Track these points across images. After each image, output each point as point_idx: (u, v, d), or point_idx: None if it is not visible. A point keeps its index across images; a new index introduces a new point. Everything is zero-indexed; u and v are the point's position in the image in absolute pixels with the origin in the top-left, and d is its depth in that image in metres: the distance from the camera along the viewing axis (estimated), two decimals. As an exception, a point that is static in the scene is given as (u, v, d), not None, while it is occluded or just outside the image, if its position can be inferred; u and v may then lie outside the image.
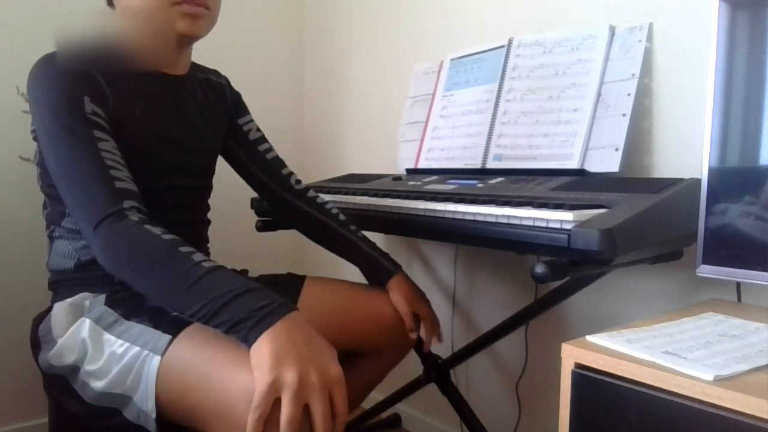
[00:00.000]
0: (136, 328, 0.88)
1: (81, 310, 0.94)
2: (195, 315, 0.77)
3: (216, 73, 1.19)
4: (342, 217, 1.21)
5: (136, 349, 0.85)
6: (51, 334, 0.94)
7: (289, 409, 0.68)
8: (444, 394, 1.43)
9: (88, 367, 0.88)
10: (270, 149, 1.23)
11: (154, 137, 0.99)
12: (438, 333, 1.20)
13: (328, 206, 1.22)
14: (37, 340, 0.97)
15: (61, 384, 0.92)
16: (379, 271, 1.18)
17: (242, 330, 0.74)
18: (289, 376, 0.69)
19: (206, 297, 0.76)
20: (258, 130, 1.24)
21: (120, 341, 0.87)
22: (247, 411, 0.70)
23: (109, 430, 0.90)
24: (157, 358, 0.82)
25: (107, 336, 0.89)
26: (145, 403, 0.83)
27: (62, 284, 1.00)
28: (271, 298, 0.77)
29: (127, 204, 0.83)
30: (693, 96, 1.10)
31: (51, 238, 1.03)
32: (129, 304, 0.93)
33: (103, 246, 0.81)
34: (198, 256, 0.80)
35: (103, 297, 0.95)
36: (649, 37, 1.14)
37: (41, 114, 0.88)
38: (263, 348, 0.71)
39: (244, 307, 0.75)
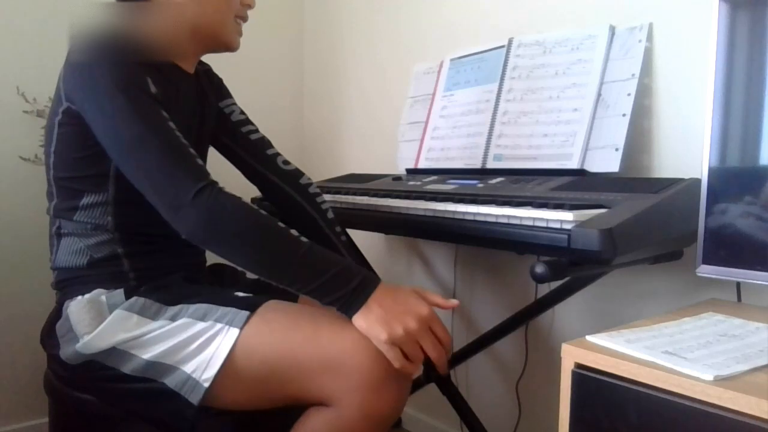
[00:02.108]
0: (196, 307, 0.90)
1: (100, 305, 0.93)
2: (295, 285, 0.85)
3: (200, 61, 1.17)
4: (330, 215, 1.21)
5: (205, 324, 0.88)
6: (72, 332, 0.93)
7: (410, 351, 0.84)
8: (444, 394, 1.43)
9: (134, 343, 0.89)
10: (254, 131, 1.22)
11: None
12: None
13: (319, 200, 1.21)
14: (55, 341, 0.95)
15: (86, 367, 0.91)
16: None
17: (344, 304, 0.85)
18: (398, 330, 0.83)
19: (309, 272, 0.84)
20: (242, 113, 1.22)
21: (179, 320, 0.89)
22: (364, 358, 0.83)
23: (138, 395, 0.90)
24: (235, 330, 0.86)
25: (160, 322, 0.90)
26: (200, 371, 0.85)
27: (73, 281, 0.98)
28: (362, 273, 0.86)
29: (213, 179, 0.86)
30: (693, 96, 1.10)
31: (58, 235, 1.00)
32: (159, 294, 0.94)
33: (205, 215, 0.83)
34: (294, 232, 0.87)
35: (120, 292, 0.94)
36: (649, 37, 1.14)
37: (109, 92, 0.86)
38: (367, 317, 0.84)
39: (342, 284, 0.84)
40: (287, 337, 0.87)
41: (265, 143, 1.22)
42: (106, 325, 0.90)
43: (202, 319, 0.88)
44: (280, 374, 0.86)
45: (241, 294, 0.95)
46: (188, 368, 0.86)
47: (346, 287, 0.84)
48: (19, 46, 1.57)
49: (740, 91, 0.83)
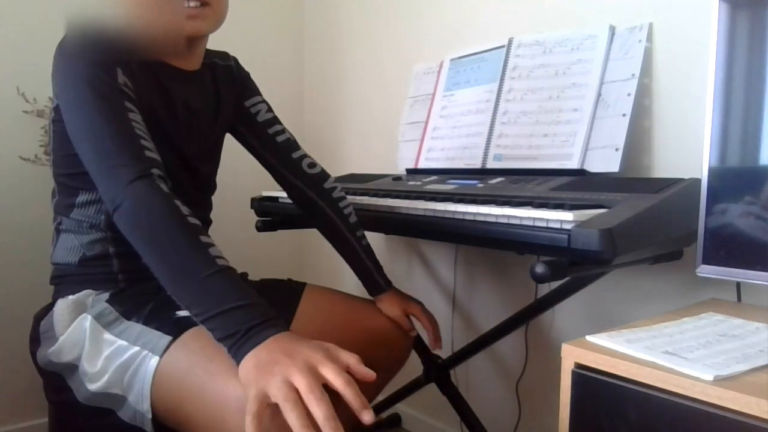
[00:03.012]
0: (136, 327, 0.88)
1: (83, 308, 0.94)
2: (191, 309, 0.76)
3: (223, 55, 1.16)
4: (353, 219, 1.19)
5: (135, 348, 0.85)
6: (53, 330, 0.94)
7: (291, 416, 0.65)
8: (444, 394, 1.43)
9: (85, 366, 0.88)
10: (281, 131, 1.19)
11: (162, 130, 0.98)
12: (437, 331, 1.20)
13: (342, 204, 1.19)
14: (38, 335, 0.97)
15: (57, 382, 0.92)
16: (371, 284, 1.19)
17: (234, 344, 0.73)
18: (273, 380, 0.67)
19: (208, 297, 0.74)
20: (269, 110, 1.20)
21: (119, 341, 0.87)
22: (239, 424, 0.68)
23: (104, 430, 0.90)
24: (156, 358, 0.83)
25: (106, 335, 0.89)
26: (140, 403, 0.83)
27: (65, 280, 0.99)
28: (265, 316, 0.74)
29: (155, 172, 0.81)
30: (693, 96, 1.10)
31: (58, 231, 1.01)
32: (130, 302, 0.93)
33: (133, 204, 0.78)
34: (214, 251, 0.78)
35: (106, 295, 0.95)
36: (649, 37, 1.14)
37: (74, 84, 0.85)
38: (251, 364, 0.70)
39: (240, 321, 0.73)
40: (182, 385, 0.80)
41: (291, 145, 1.19)
42: (72, 327, 0.91)
43: (134, 342, 0.86)
44: (183, 419, 0.81)
45: (180, 314, 0.88)
46: (131, 399, 0.84)
47: (242, 326, 0.72)
48: (19, 46, 1.57)
49: (740, 91, 0.83)
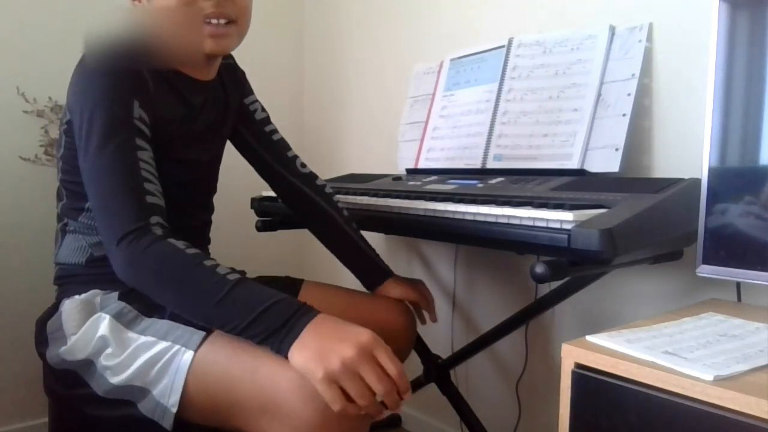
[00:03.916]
0: (161, 323, 0.89)
1: (93, 307, 0.94)
2: (224, 328, 0.79)
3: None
4: (346, 212, 1.22)
5: (165, 344, 0.86)
6: (61, 330, 0.93)
7: (352, 387, 0.73)
8: (444, 394, 1.43)
9: (107, 361, 0.88)
10: (275, 131, 1.21)
11: (184, 143, 0.99)
12: (432, 307, 1.23)
13: (335, 198, 1.22)
14: (44, 336, 0.96)
15: (72, 378, 0.91)
16: (375, 272, 1.20)
17: (276, 342, 0.77)
18: (334, 363, 0.73)
19: (235, 312, 0.78)
20: (263, 110, 1.21)
21: (144, 337, 0.88)
22: (299, 402, 0.75)
23: (116, 422, 0.90)
24: (190, 353, 0.84)
25: (129, 333, 0.89)
26: (166, 397, 0.83)
27: (72, 280, 0.99)
28: (294, 307, 0.79)
29: (153, 220, 0.82)
30: (693, 96, 1.10)
31: (64, 231, 1.01)
32: (145, 300, 0.92)
33: (125, 263, 0.80)
34: (222, 269, 0.80)
35: (115, 294, 0.94)
36: (649, 37, 1.14)
37: (87, 113, 0.85)
38: (302, 354, 0.75)
39: (273, 320, 0.77)
40: (227, 370, 0.82)
41: (285, 144, 1.22)
42: (86, 326, 0.90)
43: (164, 338, 0.87)
44: (224, 406, 0.83)
45: None
46: (156, 392, 0.84)
47: (276, 323, 0.77)
48: (19, 46, 1.57)
49: (740, 91, 0.83)
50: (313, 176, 1.23)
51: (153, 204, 0.84)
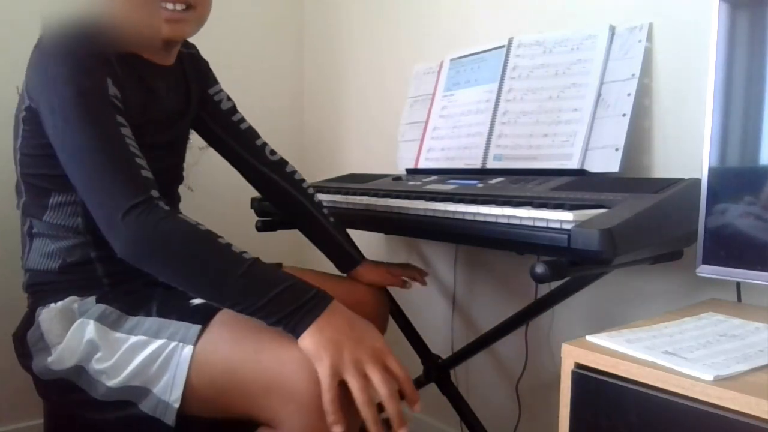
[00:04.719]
0: (150, 321, 0.88)
1: (72, 314, 0.92)
2: (237, 306, 0.79)
3: (186, 43, 1.12)
4: (317, 198, 1.23)
5: (160, 341, 0.85)
6: (43, 341, 0.92)
7: (354, 382, 0.76)
8: (444, 394, 1.43)
9: (98, 365, 0.87)
10: (243, 119, 1.20)
11: (145, 128, 0.95)
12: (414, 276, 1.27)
13: (305, 185, 1.23)
14: (27, 350, 0.94)
15: (63, 385, 0.90)
16: (345, 257, 1.21)
17: (290, 323, 0.78)
18: (346, 357, 0.76)
19: (251, 291, 0.78)
20: (229, 99, 1.20)
21: (134, 337, 0.87)
22: (303, 381, 0.76)
23: (116, 423, 0.89)
24: (189, 347, 0.83)
25: (117, 334, 0.88)
26: (168, 393, 0.83)
27: (45, 287, 0.97)
28: (311, 291, 0.80)
29: (154, 194, 0.81)
30: (693, 96, 1.10)
31: (30, 235, 0.98)
32: (124, 300, 0.92)
33: (133, 237, 0.78)
34: (235, 248, 0.81)
35: (92, 299, 0.93)
36: (649, 37, 1.14)
37: (60, 92, 0.82)
38: (314, 338, 0.77)
39: (290, 301, 0.78)
40: (230, 356, 0.83)
41: (253, 133, 1.21)
42: (70, 334, 0.89)
43: (156, 336, 0.86)
44: (229, 393, 0.83)
45: (195, 302, 0.90)
46: (157, 390, 0.84)
47: (292, 306, 0.78)
48: (19, 46, 1.57)
49: (740, 91, 0.82)
50: (282, 163, 1.22)
51: (149, 178, 0.82)
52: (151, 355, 0.85)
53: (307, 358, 0.77)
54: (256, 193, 1.50)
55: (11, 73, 1.55)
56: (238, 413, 0.84)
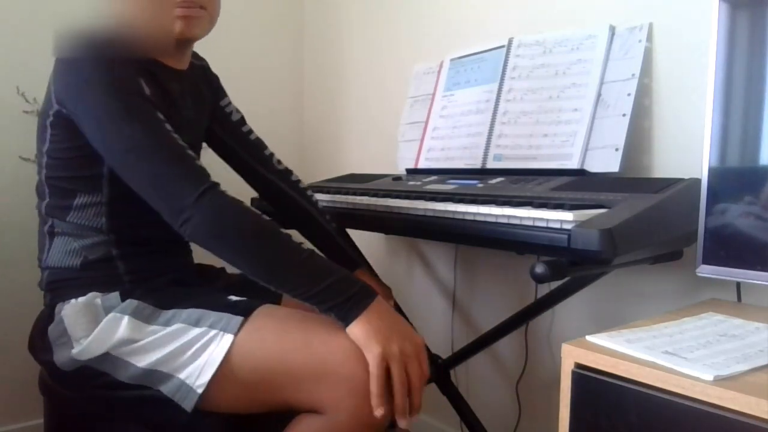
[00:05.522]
0: (188, 312, 0.89)
1: (95, 309, 0.93)
2: (295, 291, 0.84)
3: (196, 55, 1.15)
4: (320, 206, 1.26)
5: (200, 329, 0.87)
6: (66, 336, 0.92)
7: (398, 372, 0.82)
8: (444, 394, 1.43)
9: (128, 347, 0.88)
10: (251, 131, 1.25)
11: None
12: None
13: (309, 193, 1.27)
14: (47, 344, 0.94)
15: (83, 373, 0.91)
16: (345, 261, 1.22)
17: (342, 310, 0.84)
18: (394, 347, 0.82)
19: (310, 276, 0.84)
20: (237, 111, 1.24)
21: (172, 326, 0.88)
22: (354, 367, 0.82)
23: (132, 402, 0.90)
24: (230, 336, 0.85)
25: (153, 327, 0.90)
26: (194, 377, 0.85)
27: (66, 284, 0.97)
28: (360, 283, 0.86)
29: (214, 180, 0.86)
30: (693, 96, 1.10)
31: (51, 234, 0.99)
32: (154, 296, 0.93)
33: (210, 217, 0.83)
34: (294, 239, 0.86)
35: (115, 294, 0.94)
36: (649, 37, 1.14)
37: (100, 96, 0.85)
38: (364, 327, 0.83)
39: (342, 291, 0.84)
40: (279, 344, 0.86)
41: (261, 143, 1.26)
42: (101, 328, 0.90)
43: (196, 324, 0.88)
44: (272, 380, 0.86)
45: (234, 298, 0.94)
46: (183, 375, 0.86)
47: (345, 295, 0.84)
48: (19, 46, 1.57)
49: (740, 91, 0.83)
50: (288, 172, 1.27)
51: (203, 167, 0.87)
52: (189, 341, 0.87)
53: (356, 346, 0.82)
54: (255, 194, 1.50)
55: (11, 73, 1.56)
56: (271, 404, 0.87)
